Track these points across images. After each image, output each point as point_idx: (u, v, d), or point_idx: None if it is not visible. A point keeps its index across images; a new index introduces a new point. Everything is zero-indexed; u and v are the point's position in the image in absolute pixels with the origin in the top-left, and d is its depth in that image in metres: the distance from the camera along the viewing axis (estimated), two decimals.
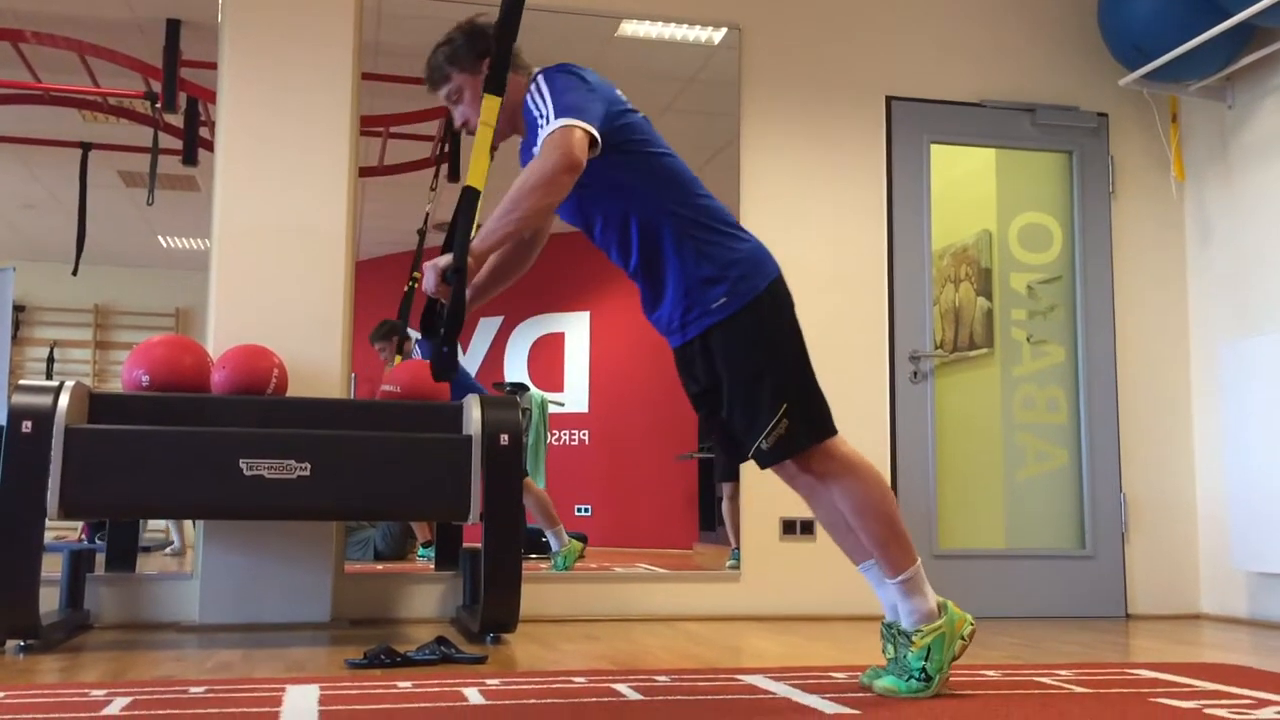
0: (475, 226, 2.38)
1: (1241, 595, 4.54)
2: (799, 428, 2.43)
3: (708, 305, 2.44)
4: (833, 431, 2.48)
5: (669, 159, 2.52)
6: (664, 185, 2.48)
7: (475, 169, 2.40)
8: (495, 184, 2.43)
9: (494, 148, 2.49)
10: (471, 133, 2.55)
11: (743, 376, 2.43)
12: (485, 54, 2.53)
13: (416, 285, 4.64)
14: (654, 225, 2.47)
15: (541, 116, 2.37)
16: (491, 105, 2.43)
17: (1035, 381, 4.85)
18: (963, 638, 2.47)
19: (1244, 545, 4.37)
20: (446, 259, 2.31)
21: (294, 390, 3.89)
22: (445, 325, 2.30)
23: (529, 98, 2.44)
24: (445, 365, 2.34)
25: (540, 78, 2.44)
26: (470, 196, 2.37)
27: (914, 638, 2.43)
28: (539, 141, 2.35)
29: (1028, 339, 4.88)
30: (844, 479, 2.47)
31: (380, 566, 4.53)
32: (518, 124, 2.55)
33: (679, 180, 2.50)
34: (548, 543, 4.68)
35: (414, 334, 4.61)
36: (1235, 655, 3.38)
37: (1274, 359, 4.28)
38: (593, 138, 2.34)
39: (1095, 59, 4.92)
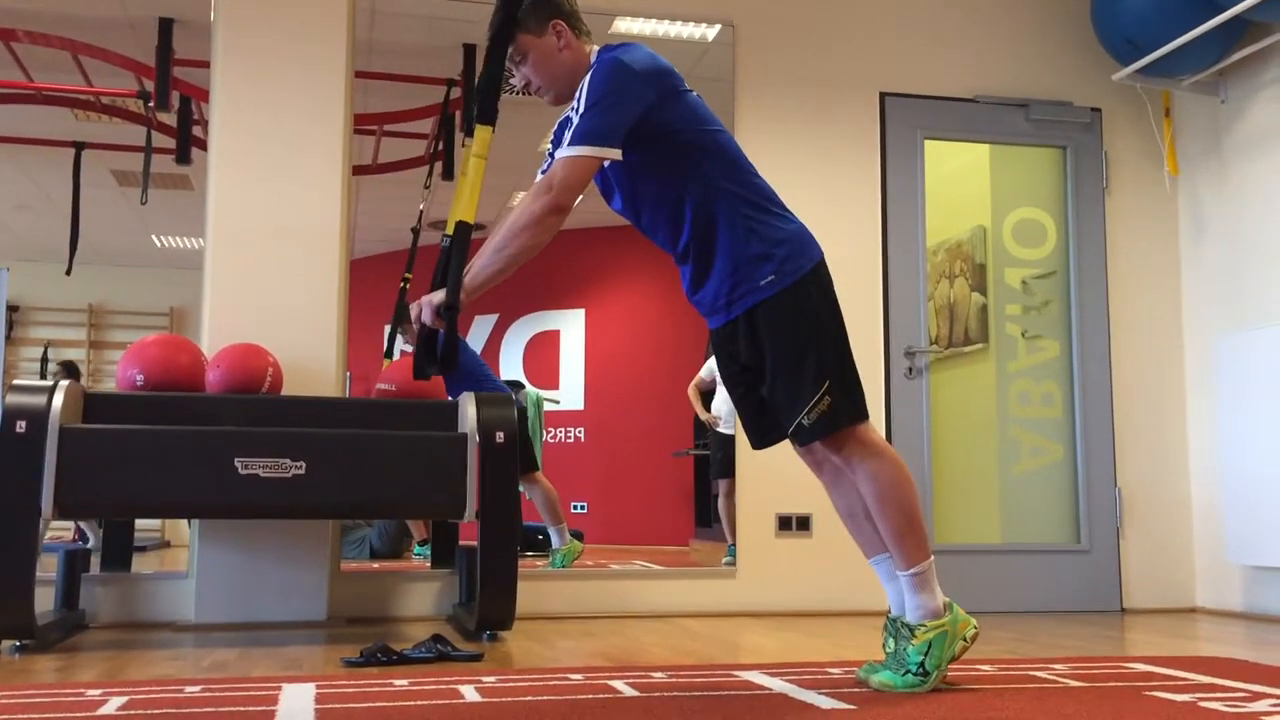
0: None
1: (1237, 589, 4.55)
2: (841, 404, 2.47)
3: (756, 282, 2.47)
4: (867, 416, 2.52)
5: (722, 135, 2.55)
6: (718, 162, 2.51)
7: (468, 203, 2.42)
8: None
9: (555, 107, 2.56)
10: (534, 94, 2.60)
11: (788, 353, 2.47)
12: (550, 15, 2.54)
13: (409, 285, 4.64)
14: (708, 202, 2.49)
15: (570, 126, 2.41)
16: (483, 136, 2.45)
17: (1030, 376, 4.85)
18: (964, 639, 2.48)
19: (1239, 539, 4.38)
20: (440, 295, 2.36)
21: (289, 389, 3.88)
22: (441, 358, 2.37)
23: (581, 84, 2.46)
24: (424, 365, 2.41)
25: (591, 74, 2.45)
26: (463, 231, 2.40)
27: (916, 632, 2.44)
28: (557, 154, 2.40)
29: (1022, 334, 4.88)
30: (870, 463, 2.49)
31: (376, 565, 4.53)
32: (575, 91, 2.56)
33: (731, 157, 2.54)
34: (544, 540, 4.68)
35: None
36: (1230, 649, 3.39)
37: (1268, 353, 4.29)
38: (600, 159, 2.39)
39: (1088, 54, 4.93)
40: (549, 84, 2.58)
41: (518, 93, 2.62)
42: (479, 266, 2.40)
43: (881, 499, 2.49)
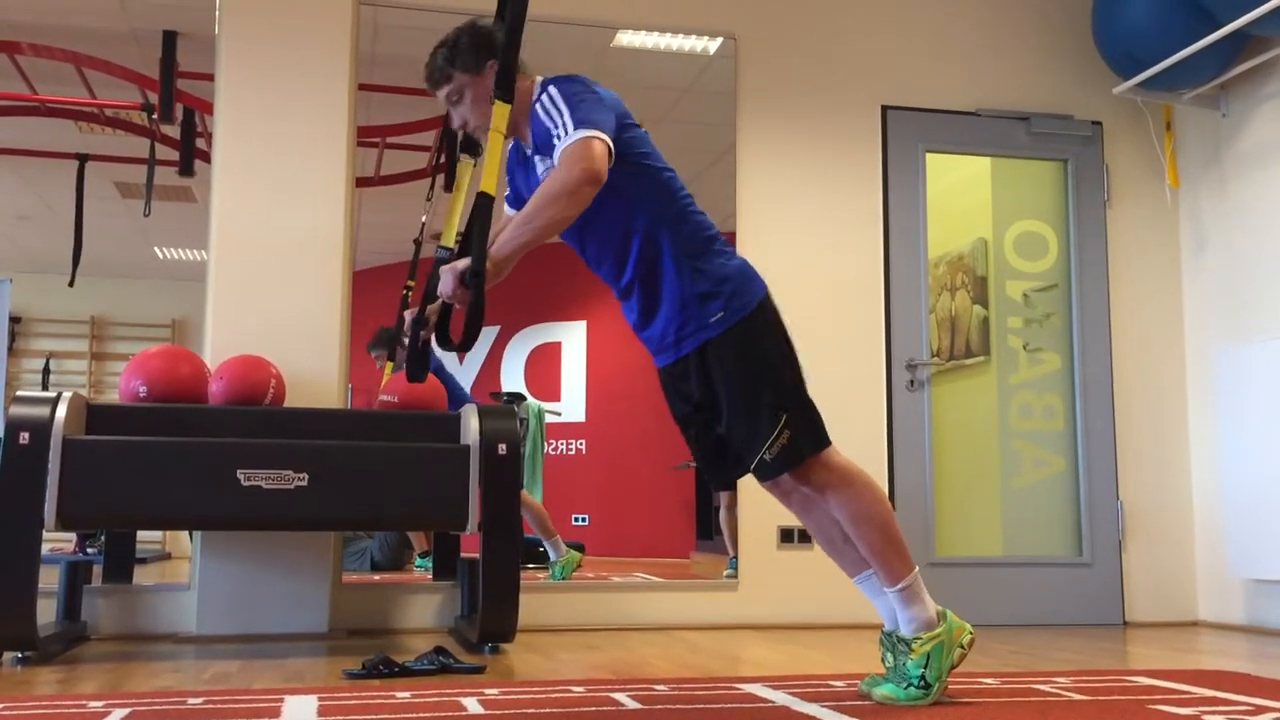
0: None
1: (1238, 602, 4.54)
2: (800, 437, 2.45)
3: (705, 320, 2.46)
4: (829, 442, 2.51)
5: (669, 174, 2.55)
6: (664, 200, 2.51)
7: (489, 175, 2.41)
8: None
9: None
10: (469, 132, 2.59)
11: (741, 390, 2.45)
12: (487, 55, 2.53)
13: (411, 294, 4.64)
14: (654, 240, 2.49)
15: (557, 126, 2.38)
16: (502, 112, 2.43)
17: (1032, 389, 4.86)
18: (962, 646, 2.48)
19: (1240, 552, 4.37)
20: (465, 262, 2.31)
21: (291, 400, 3.89)
22: (466, 329, 2.31)
23: (539, 106, 2.44)
24: (420, 366, 2.38)
25: (551, 87, 2.44)
26: (485, 202, 2.36)
27: (913, 645, 2.44)
28: (557, 153, 2.36)
29: (1024, 347, 4.88)
30: (841, 489, 2.48)
31: (377, 577, 4.53)
32: (521, 129, 2.55)
33: (677, 196, 2.53)
34: (545, 552, 4.68)
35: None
36: (1232, 662, 3.39)
37: (1269, 366, 4.29)
38: (610, 149, 2.36)
39: (1090, 68, 4.94)
40: (485, 122, 2.50)
41: (455, 130, 2.63)
42: (506, 236, 2.34)
43: (856, 521, 2.48)
